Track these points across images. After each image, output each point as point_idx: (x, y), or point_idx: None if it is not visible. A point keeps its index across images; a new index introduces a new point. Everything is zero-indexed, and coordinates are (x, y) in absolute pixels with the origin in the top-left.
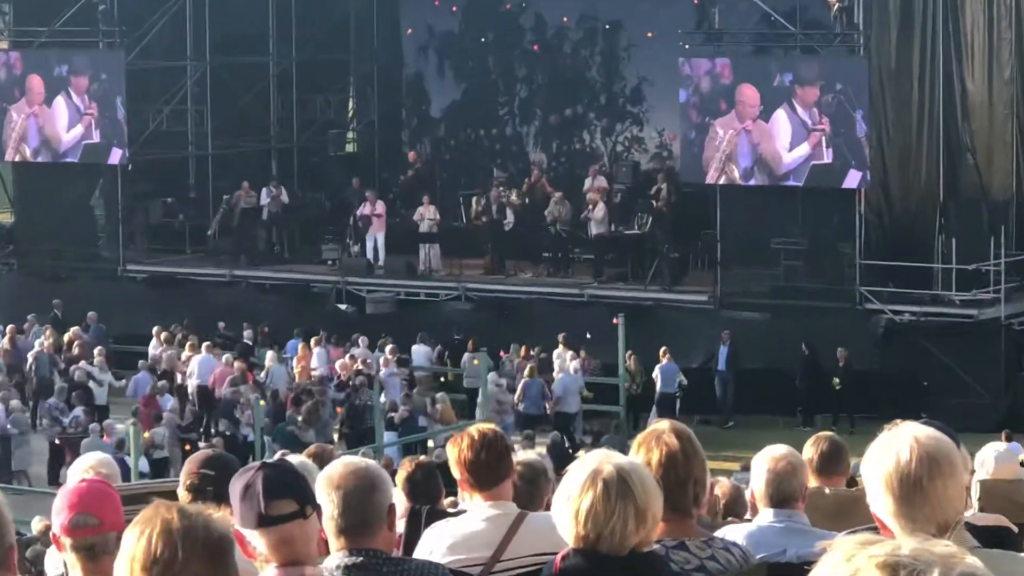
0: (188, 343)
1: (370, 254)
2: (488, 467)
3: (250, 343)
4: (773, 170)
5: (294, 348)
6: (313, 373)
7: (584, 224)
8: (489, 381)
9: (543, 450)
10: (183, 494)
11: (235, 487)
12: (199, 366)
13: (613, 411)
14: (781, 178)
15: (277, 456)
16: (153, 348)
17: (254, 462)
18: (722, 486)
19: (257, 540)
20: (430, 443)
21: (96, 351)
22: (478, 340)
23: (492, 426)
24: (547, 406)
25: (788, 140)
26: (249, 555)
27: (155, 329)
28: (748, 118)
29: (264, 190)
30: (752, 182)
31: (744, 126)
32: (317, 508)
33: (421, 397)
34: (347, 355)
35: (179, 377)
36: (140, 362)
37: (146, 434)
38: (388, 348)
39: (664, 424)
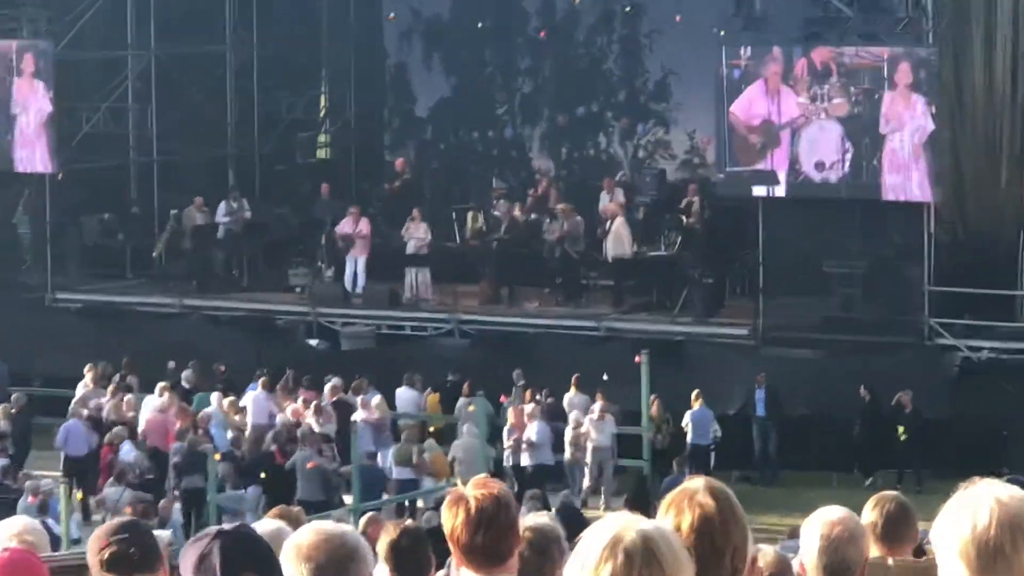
0: (124, 384)
1: (348, 280)
2: (485, 551)
3: (187, 386)
4: (825, 179)
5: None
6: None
7: (600, 244)
8: (464, 433)
9: (553, 512)
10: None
11: (187, 558)
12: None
13: (635, 466)
14: (835, 188)
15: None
16: (82, 389)
17: (209, 528)
18: (765, 556)
19: None
20: (419, 503)
21: (14, 398)
22: (475, 383)
23: (496, 488)
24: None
25: (845, 143)
26: None
27: (87, 367)
28: (775, 84)
29: (222, 204)
30: (800, 194)
31: (795, 121)
32: None
33: (408, 444)
34: (298, 399)
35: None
36: (72, 406)
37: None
38: (330, 386)
39: (698, 482)
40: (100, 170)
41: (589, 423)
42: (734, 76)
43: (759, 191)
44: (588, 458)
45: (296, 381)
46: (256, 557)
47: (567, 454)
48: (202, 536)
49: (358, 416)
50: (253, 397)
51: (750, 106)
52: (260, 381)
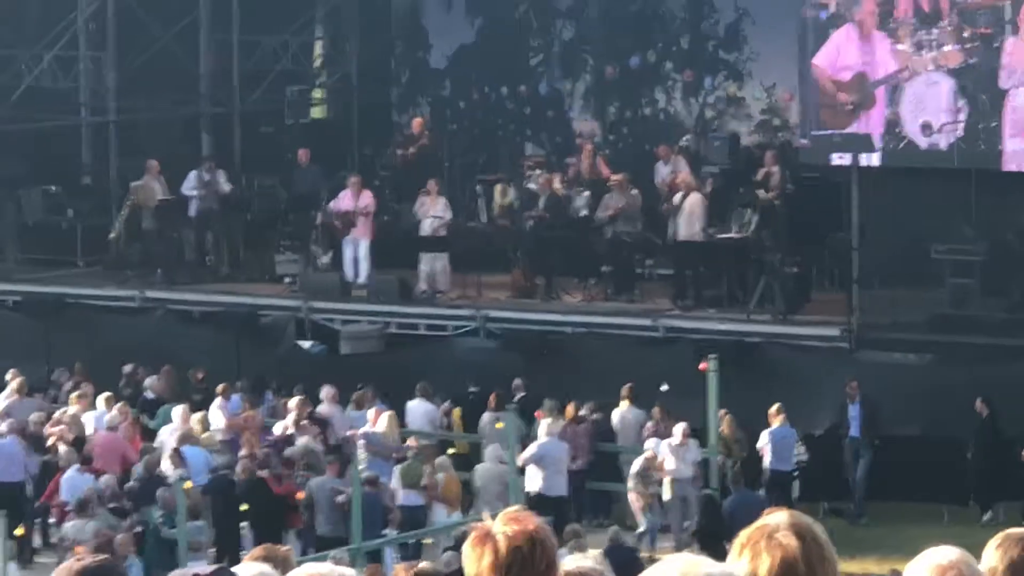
0: (77, 393)
1: (348, 268)
2: None
3: (152, 396)
4: (933, 144)
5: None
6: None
7: (657, 224)
8: (487, 457)
9: (599, 552)
10: None
11: None
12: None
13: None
14: (945, 156)
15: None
16: (5, 400)
17: (182, 570)
18: None
19: None
20: (428, 540)
21: None
22: (504, 393)
23: (531, 524)
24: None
25: (957, 101)
26: None
27: (10, 374)
28: (869, 29)
29: (191, 175)
30: (902, 162)
31: (893, 74)
32: None
33: (418, 462)
34: (250, 409)
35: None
36: (5, 423)
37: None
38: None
39: (778, 517)
40: (45, 132)
41: (668, 450)
42: (820, 18)
43: (850, 160)
44: (667, 494)
45: (284, 392)
46: None
47: (631, 489)
48: None
49: (356, 432)
50: (213, 410)
51: (837, 56)
52: (219, 388)
